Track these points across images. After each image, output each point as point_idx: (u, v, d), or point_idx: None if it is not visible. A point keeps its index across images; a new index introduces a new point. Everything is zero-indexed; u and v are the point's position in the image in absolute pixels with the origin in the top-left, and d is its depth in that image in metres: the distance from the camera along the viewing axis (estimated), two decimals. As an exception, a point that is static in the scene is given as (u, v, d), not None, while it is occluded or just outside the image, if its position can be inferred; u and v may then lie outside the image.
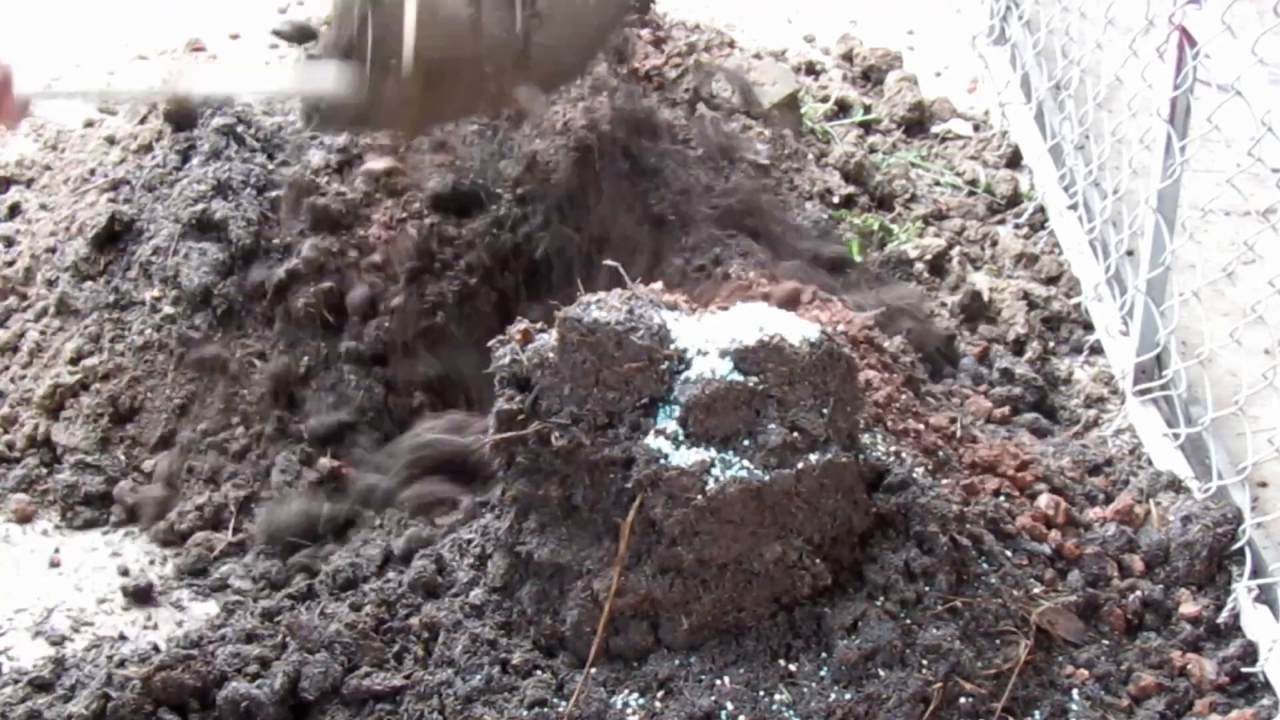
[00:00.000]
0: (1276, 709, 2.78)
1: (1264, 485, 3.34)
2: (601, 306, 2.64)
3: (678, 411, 2.58)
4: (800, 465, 2.57)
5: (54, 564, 3.27)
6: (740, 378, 2.58)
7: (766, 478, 2.54)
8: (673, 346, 2.62)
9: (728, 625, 2.62)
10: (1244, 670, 2.85)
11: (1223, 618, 2.93)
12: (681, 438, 2.57)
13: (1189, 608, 2.95)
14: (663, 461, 2.54)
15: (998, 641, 2.70)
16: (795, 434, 2.58)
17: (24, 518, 3.36)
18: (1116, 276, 3.83)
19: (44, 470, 3.47)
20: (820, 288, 3.48)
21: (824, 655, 2.59)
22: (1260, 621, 2.90)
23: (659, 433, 2.57)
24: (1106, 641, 2.87)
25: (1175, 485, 3.23)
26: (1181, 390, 3.41)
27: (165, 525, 3.33)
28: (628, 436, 2.59)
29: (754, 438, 2.57)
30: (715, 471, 2.54)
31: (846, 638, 2.59)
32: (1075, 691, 2.72)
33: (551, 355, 2.63)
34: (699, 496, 2.53)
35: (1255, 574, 2.97)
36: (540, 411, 2.64)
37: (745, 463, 2.55)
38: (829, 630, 2.61)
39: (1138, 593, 2.95)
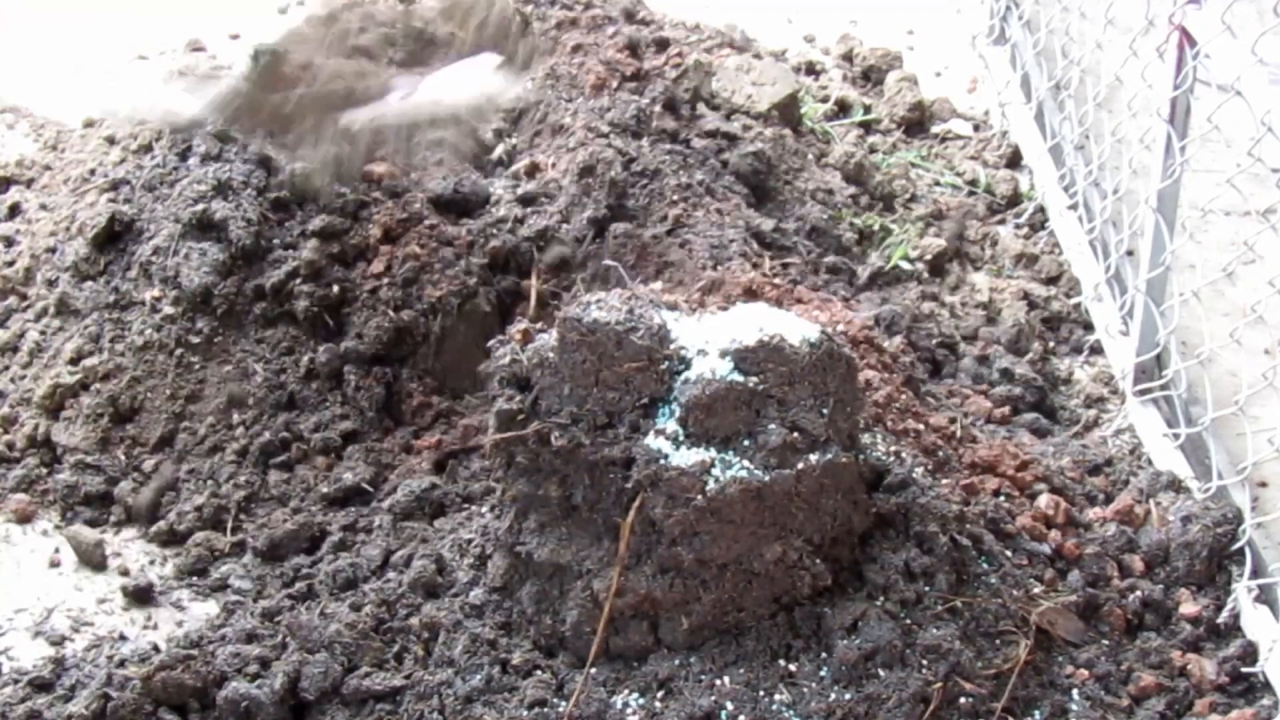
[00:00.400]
0: (1276, 709, 2.78)
1: (1264, 485, 3.34)
2: (601, 306, 2.64)
3: (678, 411, 2.58)
4: (800, 465, 2.57)
5: (54, 564, 3.26)
6: (740, 378, 2.58)
7: (767, 478, 2.54)
8: (673, 346, 2.62)
9: (728, 625, 2.62)
10: (1244, 670, 2.85)
11: (1223, 618, 2.93)
12: (681, 438, 2.57)
13: (1189, 608, 2.95)
14: (663, 461, 2.54)
15: (998, 641, 2.70)
16: (795, 434, 2.58)
17: (24, 518, 3.36)
18: (1116, 276, 3.83)
19: (44, 470, 3.47)
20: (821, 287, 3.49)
21: (824, 655, 2.59)
22: (1260, 621, 2.90)
23: (659, 433, 2.57)
24: (1106, 641, 2.87)
25: (1175, 485, 3.23)
26: (1181, 390, 3.41)
27: (165, 525, 3.33)
28: (628, 436, 2.59)
29: (754, 438, 2.57)
30: (715, 472, 2.54)
31: (846, 638, 2.59)
32: (1075, 691, 2.73)
33: (551, 355, 2.63)
34: (699, 497, 2.53)
35: (1255, 574, 2.97)
36: (540, 411, 2.64)
37: (745, 463, 2.55)
38: (829, 630, 2.61)
39: (1138, 593, 2.95)
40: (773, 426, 2.57)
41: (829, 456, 2.60)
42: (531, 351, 2.67)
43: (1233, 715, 2.75)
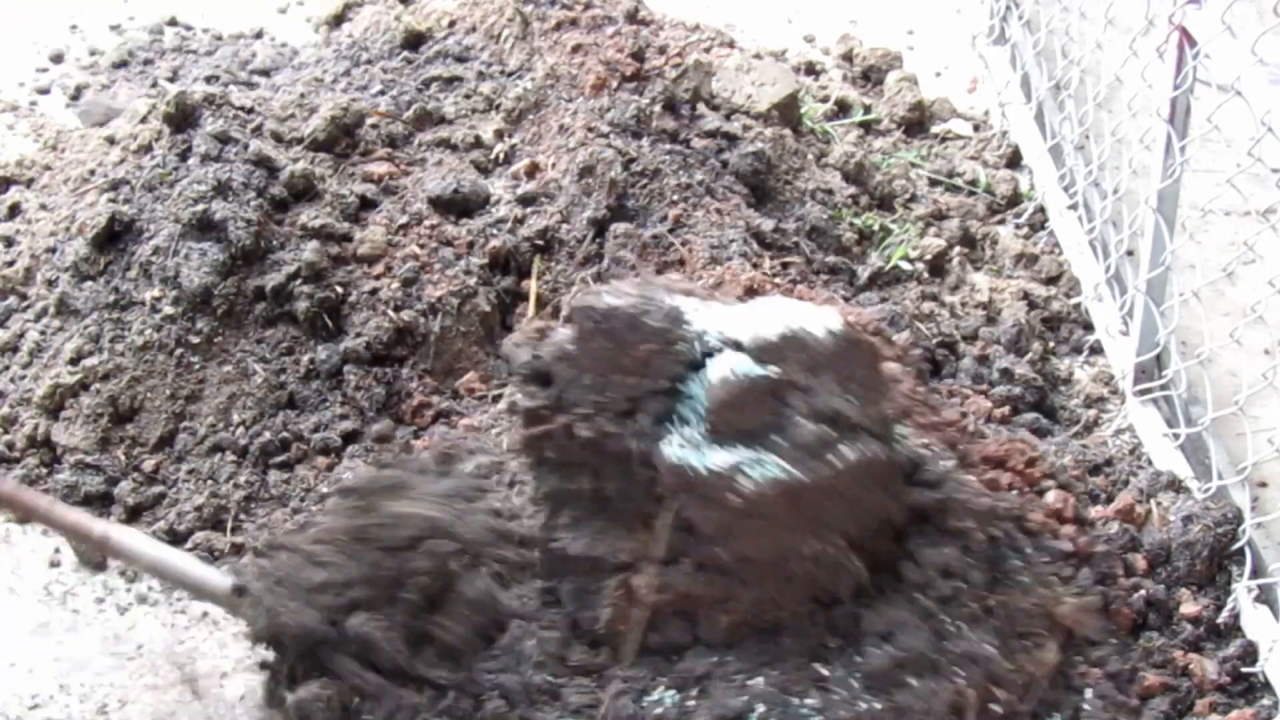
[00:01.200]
0: (1276, 709, 2.79)
1: (1264, 485, 3.34)
2: (613, 293, 2.62)
3: (701, 412, 2.55)
4: (834, 458, 2.53)
5: (54, 564, 3.26)
6: (762, 370, 2.54)
7: (800, 474, 2.51)
8: (687, 327, 2.59)
9: (766, 623, 2.60)
10: (1244, 670, 2.85)
11: (1223, 618, 2.93)
12: (710, 439, 2.53)
13: (1189, 608, 2.95)
14: (691, 473, 2.52)
15: (1027, 643, 2.68)
16: (825, 425, 2.54)
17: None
18: (1116, 276, 3.83)
19: (44, 470, 3.46)
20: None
21: (857, 659, 2.57)
22: (1260, 621, 2.90)
23: (685, 441, 2.53)
24: (1115, 640, 2.87)
25: (1175, 485, 3.23)
26: (1181, 390, 3.41)
27: (165, 525, 3.33)
28: (651, 428, 2.56)
29: (783, 431, 2.53)
30: (747, 470, 2.50)
31: (880, 645, 2.57)
32: (1089, 691, 2.71)
33: (570, 348, 2.62)
34: (733, 498, 2.50)
35: (1255, 574, 2.97)
36: (564, 405, 2.63)
37: (777, 459, 2.51)
38: (864, 634, 2.59)
39: (1142, 592, 2.95)
40: (801, 419, 2.53)
41: (863, 448, 2.56)
42: (549, 346, 2.66)
43: (1233, 715, 2.75)
